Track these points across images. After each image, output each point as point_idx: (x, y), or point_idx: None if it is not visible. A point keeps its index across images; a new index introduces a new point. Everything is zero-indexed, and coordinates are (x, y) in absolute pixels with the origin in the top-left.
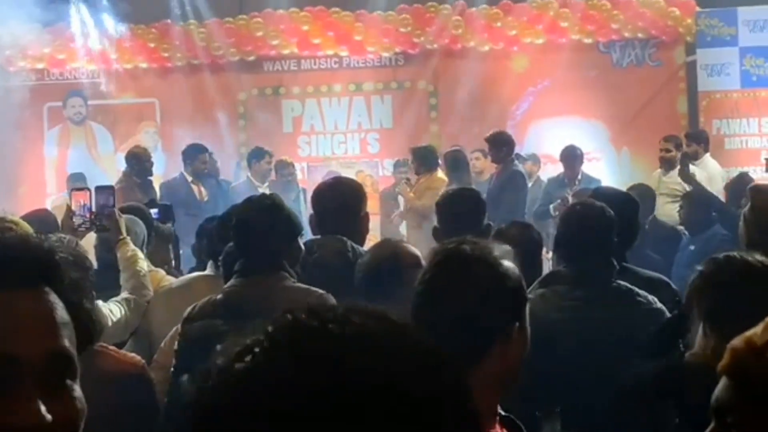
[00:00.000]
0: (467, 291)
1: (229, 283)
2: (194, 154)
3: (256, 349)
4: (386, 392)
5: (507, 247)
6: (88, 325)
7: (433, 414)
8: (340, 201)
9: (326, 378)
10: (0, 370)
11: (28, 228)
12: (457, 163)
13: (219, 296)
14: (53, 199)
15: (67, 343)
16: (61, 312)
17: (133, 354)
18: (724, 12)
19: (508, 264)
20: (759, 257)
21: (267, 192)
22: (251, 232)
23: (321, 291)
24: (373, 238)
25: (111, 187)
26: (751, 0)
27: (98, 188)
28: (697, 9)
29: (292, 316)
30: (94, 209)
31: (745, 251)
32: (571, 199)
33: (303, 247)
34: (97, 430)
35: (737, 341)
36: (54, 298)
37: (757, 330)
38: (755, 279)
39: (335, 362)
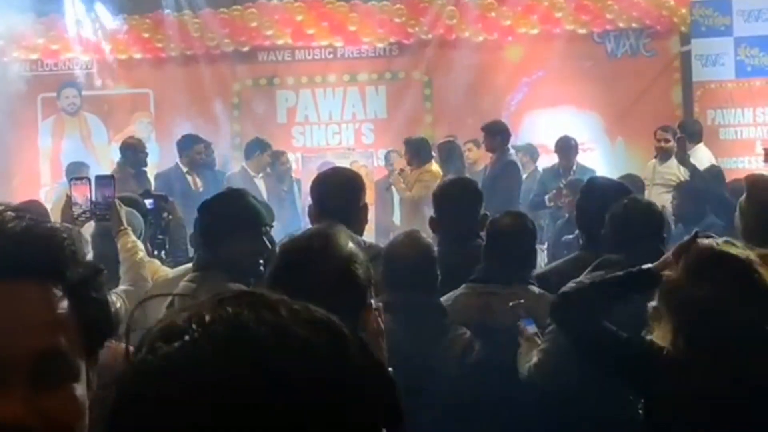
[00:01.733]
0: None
1: (187, 277)
2: (189, 145)
3: (186, 337)
4: (295, 395)
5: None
6: (102, 321)
7: (351, 408)
8: (339, 191)
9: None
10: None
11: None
12: (451, 153)
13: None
14: (47, 190)
15: (62, 341)
16: (61, 309)
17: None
18: (718, 2)
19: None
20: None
21: (262, 182)
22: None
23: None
24: (367, 229)
25: (111, 177)
26: None
27: (98, 178)
28: None
29: (228, 310)
30: (94, 199)
31: (724, 240)
32: (564, 190)
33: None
34: (92, 419)
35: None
36: (55, 293)
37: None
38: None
39: (256, 364)
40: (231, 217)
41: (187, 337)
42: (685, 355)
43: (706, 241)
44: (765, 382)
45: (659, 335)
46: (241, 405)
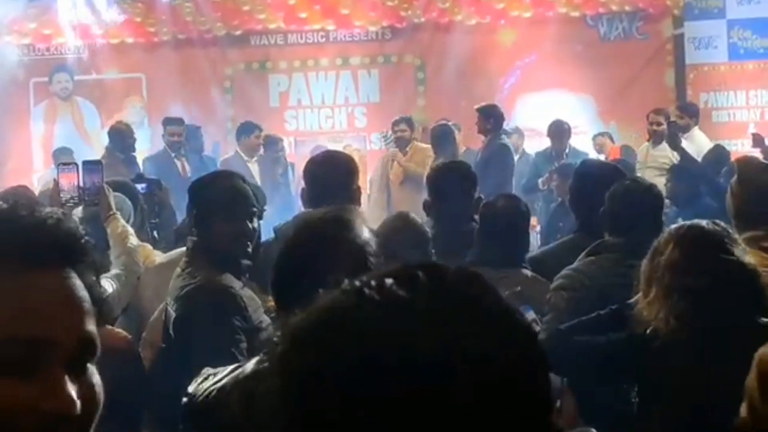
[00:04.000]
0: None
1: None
2: (164, 127)
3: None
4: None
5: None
6: (101, 306)
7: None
8: (332, 174)
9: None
10: (33, 352)
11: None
12: (444, 137)
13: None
14: (39, 175)
15: (93, 327)
16: (86, 295)
17: (119, 330)
18: None
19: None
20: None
21: (256, 166)
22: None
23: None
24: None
25: (99, 162)
26: None
27: (86, 163)
28: None
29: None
30: (82, 184)
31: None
32: (555, 174)
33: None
34: None
35: (764, 351)
36: (78, 280)
37: None
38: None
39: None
40: (218, 200)
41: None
42: (679, 335)
43: (699, 225)
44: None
45: (647, 308)
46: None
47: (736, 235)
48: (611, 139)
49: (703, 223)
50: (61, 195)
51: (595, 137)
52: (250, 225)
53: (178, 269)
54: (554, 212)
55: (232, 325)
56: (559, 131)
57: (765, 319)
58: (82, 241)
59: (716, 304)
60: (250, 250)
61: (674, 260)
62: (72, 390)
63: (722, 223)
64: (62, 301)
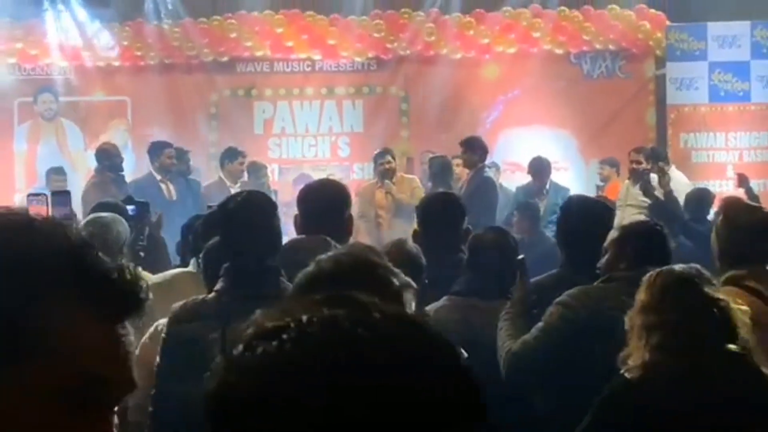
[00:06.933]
0: None
1: (220, 285)
2: (159, 150)
3: (284, 336)
4: (404, 397)
5: None
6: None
7: (448, 411)
8: (326, 202)
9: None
10: (97, 390)
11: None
12: (444, 169)
13: (210, 296)
14: (21, 196)
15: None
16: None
17: None
18: (694, 27)
19: None
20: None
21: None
22: (249, 230)
23: None
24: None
25: (67, 193)
26: (720, 15)
27: (54, 194)
28: (668, 23)
29: (326, 313)
30: (50, 214)
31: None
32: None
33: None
34: None
35: None
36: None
37: None
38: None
39: (362, 369)
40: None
41: (285, 336)
42: (654, 370)
43: (671, 268)
44: (731, 393)
45: (632, 353)
46: (341, 402)
47: (709, 275)
48: (617, 172)
49: (675, 266)
50: None
51: (602, 165)
52: None
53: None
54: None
55: None
56: (539, 167)
57: (734, 346)
58: (143, 297)
59: (686, 335)
60: None
61: (645, 303)
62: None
63: (696, 266)
64: (126, 348)
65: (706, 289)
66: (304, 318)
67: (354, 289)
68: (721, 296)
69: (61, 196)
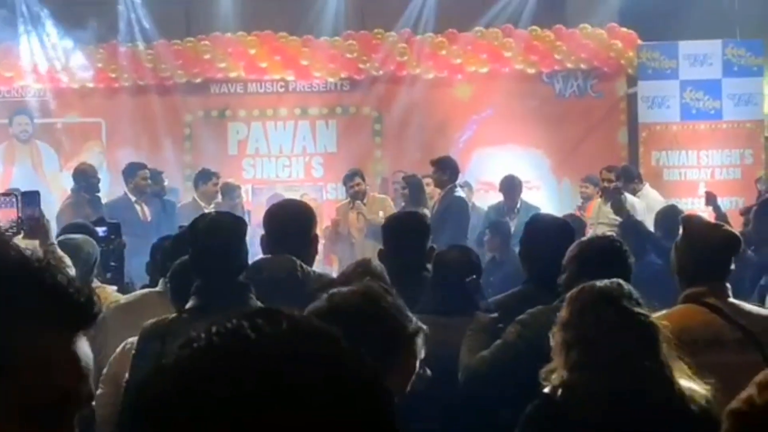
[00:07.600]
0: None
1: (191, 303)
2: (134, 171)
3: (194, 345)
4: (291, 400)
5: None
6: None
7: (340, 420)
8: (291, 222)
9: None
10: (63, 403)
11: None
12: (420, 188)
13: (183, 315)
14: None
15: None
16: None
17: None
18: (665, 45)
19: None
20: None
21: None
22: (218, 249)
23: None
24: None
25: (37, 193)
26: (691, 34)
27: (25, 194)
28: (639, 42)
29: (235, 324)
30: (20, 214)
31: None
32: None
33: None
34: None
35: (736, 404)
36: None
37: (752, 391)
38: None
39: (260, 373)
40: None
41: (195, 345)
42: (576, 387)
43: (592, 283)
44: (649, 411)
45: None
46: (233, 404)
47: (631, 290)
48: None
49: (598, 282)
50: (1, 224)
51: (585, 183)
52: None
53: None
54: (486, 267)
55: None
56: (510, 186)
57: (654, 365)
58: (97, 310)
59: (605, 351)
60: None
61: (565, 319)
62: None
63: (618, 280)
64: (82, 360)
65: (625, 304)
66: (214, 329)
67: (362, 331)
68: (641, 311)
69: (31, 195)
